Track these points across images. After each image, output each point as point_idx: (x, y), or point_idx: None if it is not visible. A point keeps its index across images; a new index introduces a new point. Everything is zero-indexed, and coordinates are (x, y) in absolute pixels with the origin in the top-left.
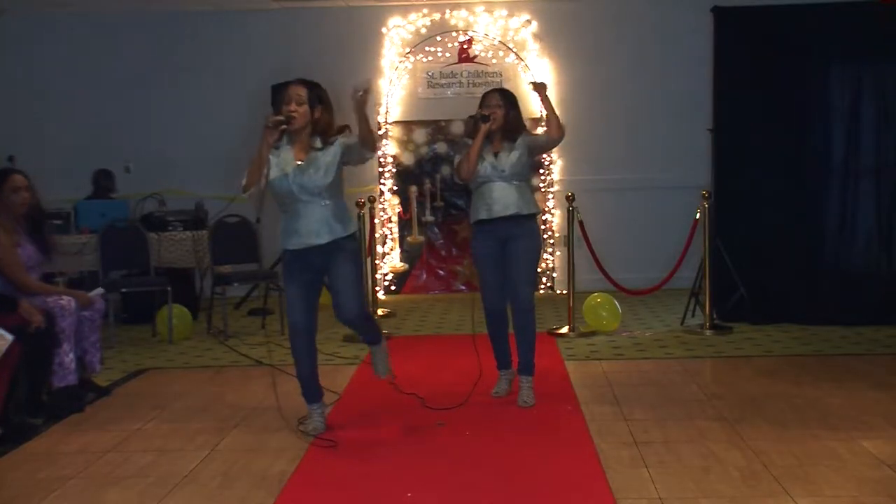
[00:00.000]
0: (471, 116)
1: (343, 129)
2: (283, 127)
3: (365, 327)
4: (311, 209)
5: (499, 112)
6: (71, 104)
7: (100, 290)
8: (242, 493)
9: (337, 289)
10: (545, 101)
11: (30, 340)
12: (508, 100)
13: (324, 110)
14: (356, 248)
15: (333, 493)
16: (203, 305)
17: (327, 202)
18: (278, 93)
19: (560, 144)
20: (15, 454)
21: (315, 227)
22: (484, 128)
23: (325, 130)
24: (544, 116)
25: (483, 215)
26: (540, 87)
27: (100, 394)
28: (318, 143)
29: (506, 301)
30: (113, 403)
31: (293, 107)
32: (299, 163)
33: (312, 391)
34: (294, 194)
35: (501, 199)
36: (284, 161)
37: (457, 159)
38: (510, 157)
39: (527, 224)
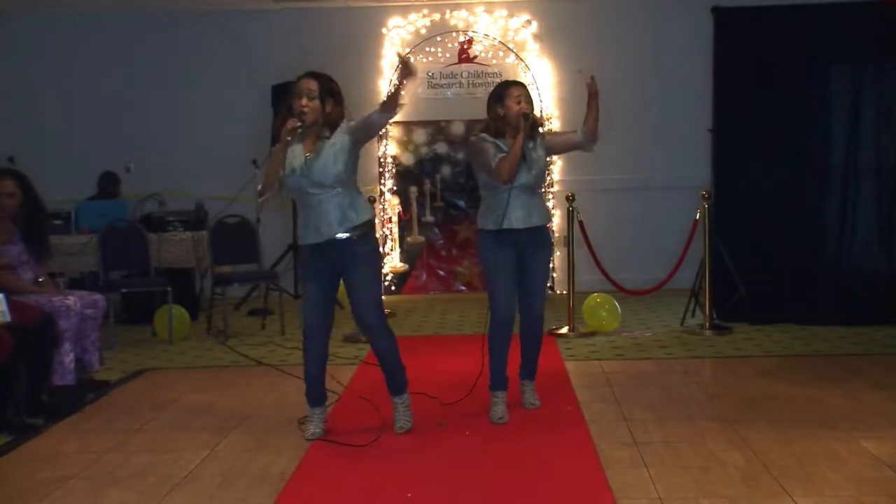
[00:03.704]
0: (491, 120)
1: None
2: (299, 127)
3: (384, 344)
4: (323, 201)
5: (529, 108)
6: (71, 104)
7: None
8: (242, 493)
9: (353, 298)
10: (594, 104)
11: (29, 340)
12: (530, 95)
13: (335, 103)
14: (372, 252)
15: (333, 493)
16: (203, 306)
17: (338, 190)
18: (278, 93)
19: None
20: (15, 454)
21: (329, 218)
22: (526, 126)
23: (336, 123)
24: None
25: (506, 224)
26: (592, 86)
27: (100, 391)
28: (327, 133)
29: (515, 309)
30: (113, 403)
31: (304, 101)
32: (307, 155)
33: (317, 394)
34: (305, 189)
35: (524, 208)
36: (294, 157)
37: (495, 161)
38: (537, 163)
39: (544, 233)
